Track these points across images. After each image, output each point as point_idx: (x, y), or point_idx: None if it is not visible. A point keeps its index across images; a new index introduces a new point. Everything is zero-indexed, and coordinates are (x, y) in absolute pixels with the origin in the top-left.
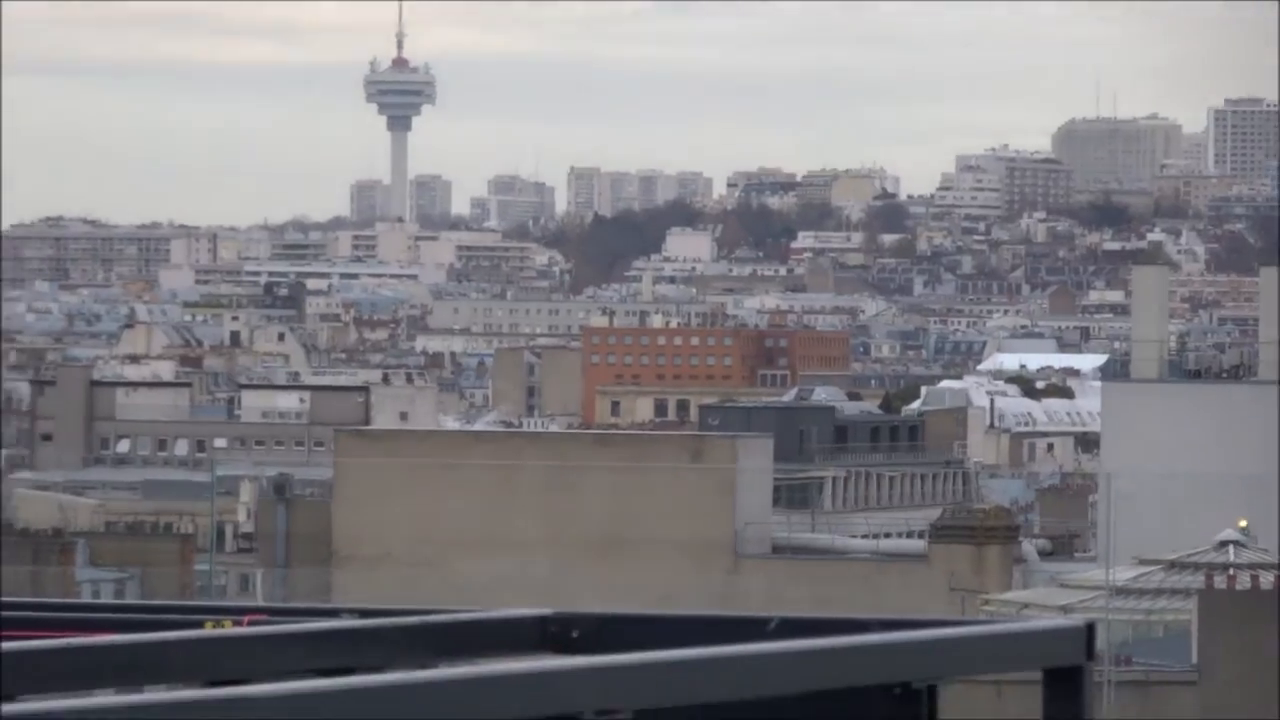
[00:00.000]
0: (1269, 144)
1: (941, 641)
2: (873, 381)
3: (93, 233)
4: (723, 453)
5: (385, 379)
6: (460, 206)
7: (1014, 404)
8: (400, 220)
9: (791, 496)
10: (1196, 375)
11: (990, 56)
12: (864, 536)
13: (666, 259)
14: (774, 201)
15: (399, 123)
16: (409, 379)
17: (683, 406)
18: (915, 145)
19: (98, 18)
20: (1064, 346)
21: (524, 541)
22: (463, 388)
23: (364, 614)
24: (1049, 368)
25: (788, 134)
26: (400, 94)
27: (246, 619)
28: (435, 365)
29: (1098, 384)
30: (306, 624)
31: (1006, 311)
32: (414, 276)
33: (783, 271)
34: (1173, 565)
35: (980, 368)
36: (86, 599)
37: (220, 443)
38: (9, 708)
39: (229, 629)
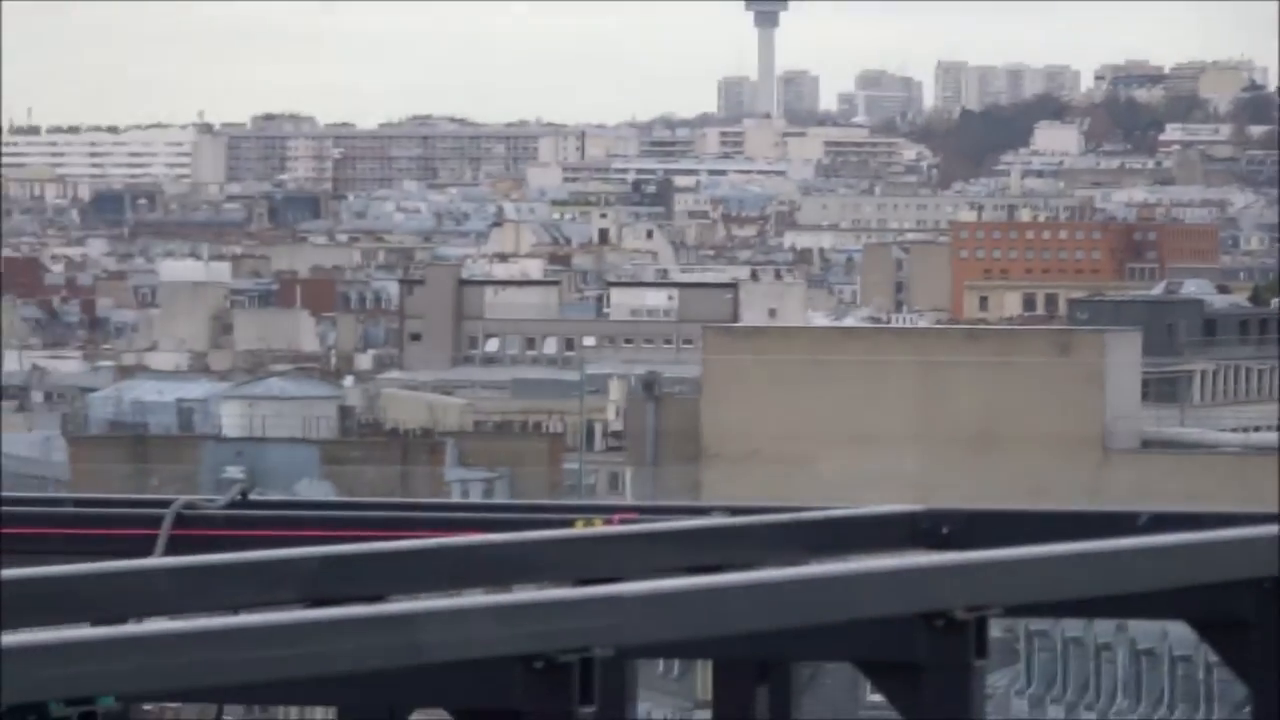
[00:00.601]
0: None
1: None
2: (1241, 274)
3: (460, 131)
4: (1091, 346)
5: (754, 275)
6: (827, 102)
7: None
8: (767, 116)
9: (1160, 390)
10: None
11: None
12: (1233, 430)
13: (1034, 153)
14: (1141, 94)
15: (766, 18)
16: (777, 275)
17: (1051, 300)
18: None
19: None
20: None
21: (892, 438)
22: (831, 284)
23: (734, 511)
24: None
25: (1155, 26)
26: None
27: (617, 517)
28: (804, 261)
29: None
30: (677, 522)
31: None
32: (782, 173)
33: (1150, 164)
34: None
35: None
36: (456, 499)
37: (589, 341)
38: (393, 606)
39: (599, 528)
